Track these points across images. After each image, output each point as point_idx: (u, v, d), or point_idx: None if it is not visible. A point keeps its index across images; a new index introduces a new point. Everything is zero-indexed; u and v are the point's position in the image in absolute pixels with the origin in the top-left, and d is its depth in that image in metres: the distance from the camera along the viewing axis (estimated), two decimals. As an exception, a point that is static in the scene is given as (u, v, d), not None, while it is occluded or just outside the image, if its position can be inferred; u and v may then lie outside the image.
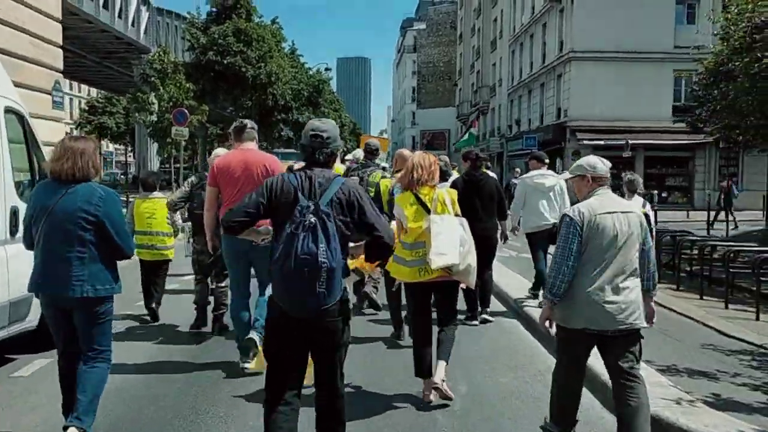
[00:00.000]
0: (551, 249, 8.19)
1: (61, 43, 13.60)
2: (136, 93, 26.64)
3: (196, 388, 5.70)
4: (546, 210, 8.70)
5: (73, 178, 4.14)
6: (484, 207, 7.90)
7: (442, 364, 5.26)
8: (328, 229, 3.43)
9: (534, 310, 8.15)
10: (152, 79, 25.00)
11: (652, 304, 4.38)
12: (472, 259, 5.20)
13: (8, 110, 6.18)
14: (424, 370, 5.27)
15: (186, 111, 22.21)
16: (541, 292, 8.46)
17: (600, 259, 4.06)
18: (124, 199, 23.71)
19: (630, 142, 29.87)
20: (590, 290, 4.05)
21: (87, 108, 63.04)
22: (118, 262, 4.39)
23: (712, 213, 22.26)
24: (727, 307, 9.40)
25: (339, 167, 8.62)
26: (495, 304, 9.13)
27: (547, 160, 9.44)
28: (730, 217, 23.03)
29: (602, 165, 4.32)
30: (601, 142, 31.94)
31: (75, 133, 69.24)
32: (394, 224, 5.33)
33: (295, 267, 3.36)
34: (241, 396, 5.45)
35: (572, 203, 4.93)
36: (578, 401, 4.37)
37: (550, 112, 38.33)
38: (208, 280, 7.73)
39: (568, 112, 34.74)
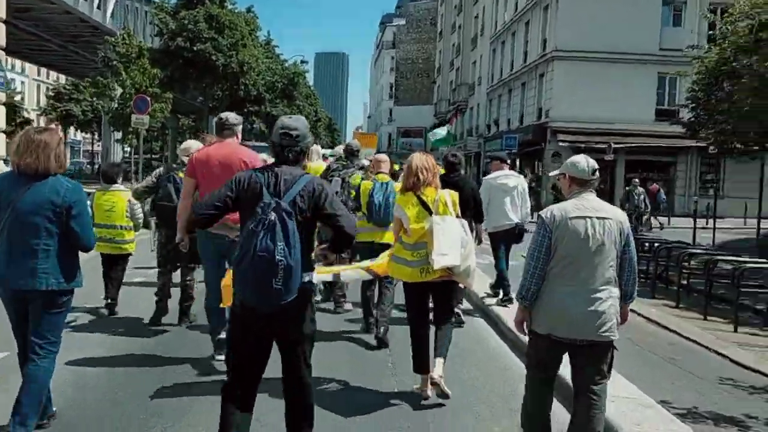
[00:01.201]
0: (516, 248, 8.66)
1: (4, 17, 12.17)
2: (96, 78, 24.98)
3: (158, 381, 5.66)
4: (509, 210, 8.77)
5: (36, 172, 4.15)
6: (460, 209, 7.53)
7: (440, 361, 5.36)
8: (288, 227, 3.47)
9: (495, 308, 8.51)
10: (114, 63, 23.38)
11: (627, 309, 4.25)
12: (473, 261, 5.31)
13: None
14: (422, 366, 5.38)
15: (147, 98, 20.75)
16: (502, 291, 8.74)
17: (570, 264, 3.95)
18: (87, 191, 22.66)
19: (612, 144, 29.10)
20: (558, 295, 3.95)
21: (53, 94, 60.98)
22: (80, 255, 4.44)
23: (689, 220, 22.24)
24: (736, 330, 8.63)
25: (320, 165, 8.95)
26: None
27: (508, 161, 9.54)
28: (653, 221, 24.65)
29: (584, 166, 4.12)
30: (582, 145, 31.39)
31: (40, 121, 67.48)
32: (392, 225, 5.75)
33: (252, 264, 3.43)
34: (198, 394, 5.37)
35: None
36: (546, 411, 4.21)
37: (530, 112, 37.55)
38: (171, 273, 7.69)
39: (550, 112, 33.99)
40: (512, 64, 41.87)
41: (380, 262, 5.69)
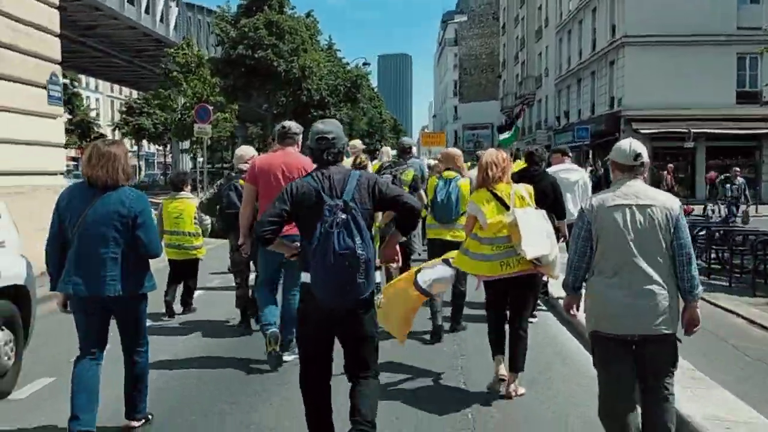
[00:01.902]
0: None
1: (57, 31, 12.10)
2: (158, 89, 25.09)
3: (227, 382, 5.85)
4: (571, 205, 8.38)
5: (105, 185, 4.35)
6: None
7: (516, 376, 5.42)
8: (360, 223, 3.61)
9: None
10: (175, 74, 23.39)
11: (698, 310, 3.86)
12: (557, 250, 5.28)
13: None
14: (501, 349, 5.47)
15: (209, 107, 20.59)
16: None
17: (611, 256, 3.75)
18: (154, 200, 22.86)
19: (692, 131, 27.57)
20: (601, 289, 3.78)
21: (125, 109, 62.65)
22: (151, 261, 4.65)
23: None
24: None
25: (374, 164, 9.15)
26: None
27: (570, 154, 9.31)
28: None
29: (625, 149, 3.87)
30: (659, 131, 30.04)
31: (116, 135, 69.54)
32: (463, 219, 5.93)
33: (335, 262, 3.53)
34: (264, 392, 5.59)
35: None
36: (623, 417, 3.78)
37: (602, 101, 36.10)
38: (247, 277, 7.79)
39: (623, 100, 32.57)
40: (580, 53, 40.45)
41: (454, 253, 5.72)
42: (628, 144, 3.90)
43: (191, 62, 23.21)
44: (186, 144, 24.34)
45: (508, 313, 5.58)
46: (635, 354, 3.78)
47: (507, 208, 5.24)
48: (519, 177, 7.52)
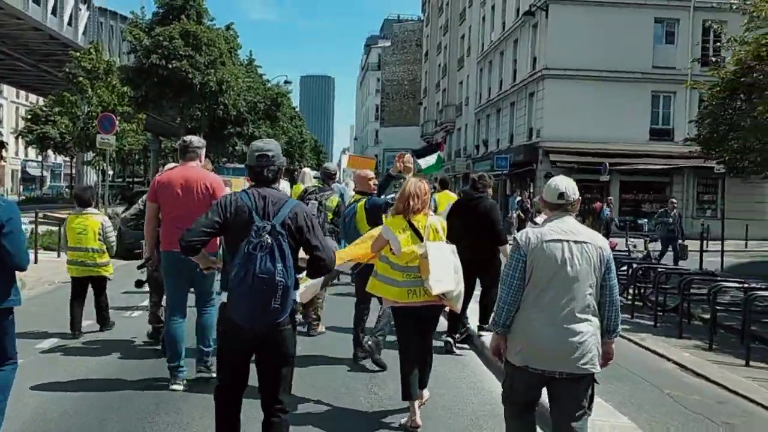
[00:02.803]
0: None
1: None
2: (61, 95, 23.31)
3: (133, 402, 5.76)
4: None
5: None
6: (473, 229, 7.78)
7: (424, 392, 5.70)
8: (284, 249, 3.66)
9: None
10: (80, 79, 21.81)
11: (613, 346, 3.93)
12: (462, 286, 5.48)
13: None
14: (412, 394, 5.41)
15: (113, 116, 19.21)
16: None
17: (545, 290, 3.74)
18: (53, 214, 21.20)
19: (608, 165, 27.95)
20: (534, 324, 3.74)
21: (30, 116, 59.21)
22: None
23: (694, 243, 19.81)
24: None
25: (298, 186, 9.66)
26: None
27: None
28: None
29: (560, 188, 3.91)
30: (575, 163, 30.41)
31: (19, 143, 65.73)
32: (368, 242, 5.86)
33: (253, 285, 3.58)
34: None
35: None
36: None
37: (520, 132, 36.43)
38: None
39: (541, 132, 32.89)
40: (501, 84, 40.87)
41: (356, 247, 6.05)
42: (555, 183, 3.95)
43: (98, 68, 21.68)
44: (90, 155, 22.58)
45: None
46: (550, 389, 3.83)
47: (421, 239, 5.35)
48: (458, 202, 8.15)
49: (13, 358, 4.49)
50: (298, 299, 4.23)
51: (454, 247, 5.55)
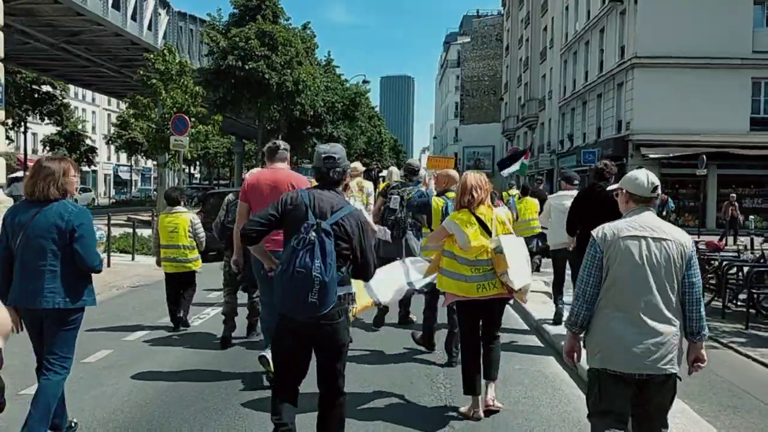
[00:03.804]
0: None
1: (1, 23, 10.52)
2: (134, 98, 23.44)
3: (217, 393, 6.04)
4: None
5: (40, 199, 4.49)
6: (605, 217, 6.92)
7: (492, 385, 5.59)
8: (326, 247, 3.80)
9: (551, 329, 8.43)
10: (153, 81, 21.82)
11: (703, 351, 3.71)
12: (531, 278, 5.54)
13: None
14: (476, 390, 5.42)
15: (186, 117, 19.01)
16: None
17: (623, 289, 3.58)
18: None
19: (705, 158, 26.03)
20: (611, 324, 3.59)
21: (118, 122, 61.03)
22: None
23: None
24: None
25: (382, 184, 10.22)
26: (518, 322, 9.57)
27: (576, 182, 9.65)
28: None
29: (644, 182, 3.77)
30: (668, 157, 28.68)
31: (111, 149, 68.03)
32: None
33: (291, 278, 3.79)
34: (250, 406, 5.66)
35: None
36: None
37: (608, 125, 34.66)
38: (238, 292, 8.08)
39: (631, 124, 31.09)
40: (586, 75, 39.13)
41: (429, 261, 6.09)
42: (645, 176, 3.80)
43: (172, 70, 21.61)
44: (167, 156, 22.63)
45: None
46: (635, 392, 3.65)
47: (489, 232, 5.35)
48: (583, 193, 8.00)
49: (68, 361, 4.63)
50: (375, 299, 5.39)
51: (522, 239, 5.64)
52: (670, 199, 24.93)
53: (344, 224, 3.99)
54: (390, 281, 6.08)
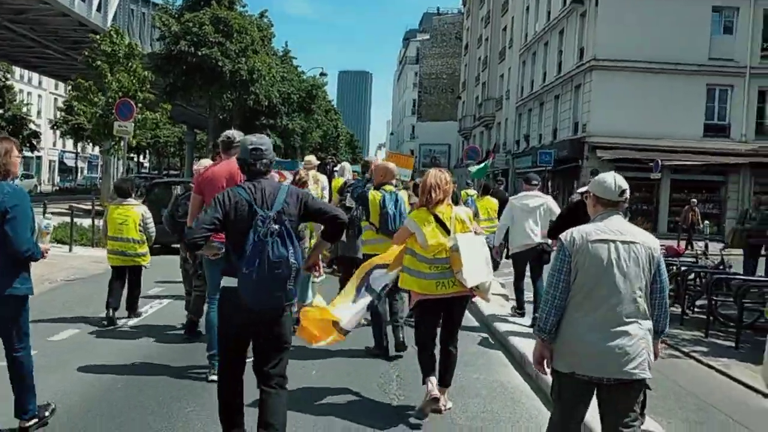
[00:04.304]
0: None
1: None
2: (77, 80, 22.30)
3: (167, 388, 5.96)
4: (531, 230, 8.97)
5: None
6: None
7: (446, 392, 5.58)
8: (291, 234, 3.95)
9: (514, 339, 8.11)
10: (98, 63, 20.75)
11: (661, 345, 3.89)
12: (492, 276, 5.61)
13: None
14: (431, 369, 5.46)
15: (131, 103, 18.10)
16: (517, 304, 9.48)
17: (592, 293, 3.58)
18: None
19: (660, 162, 26.16)
20: (580, 328, 3.58)
21: (65, 107, 58.89)
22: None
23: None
24: None
25: (338, 180, 10.23)
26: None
27: (535, 182, 9.58)
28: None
29: (610, 185, 3.76)
30: (623, 159, 28.69)
31: (57, 134, 65.66)
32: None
33: (269, 269, 3.83)
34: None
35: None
36: None
37: (565, 126, 34.71)
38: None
39: (587, 126, 31.16)
40: (544, 76, 39.17)
41: (388, 254, 5.88)
42: (613, 179, 3.79)
43: (119, 52, 20.58)
44: (111, 143, 21.55)
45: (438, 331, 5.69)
46: (600, 396, 3.66)
47: (447, 231, 5.36)
48: (582, 204, 7.84)
49: (25, 343, 4.66)
50: (345, 323, 5.21)
51: (483, 238, 5.64)
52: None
53: (289, 204, 4.08)
54: (357, 309, 5.82)
